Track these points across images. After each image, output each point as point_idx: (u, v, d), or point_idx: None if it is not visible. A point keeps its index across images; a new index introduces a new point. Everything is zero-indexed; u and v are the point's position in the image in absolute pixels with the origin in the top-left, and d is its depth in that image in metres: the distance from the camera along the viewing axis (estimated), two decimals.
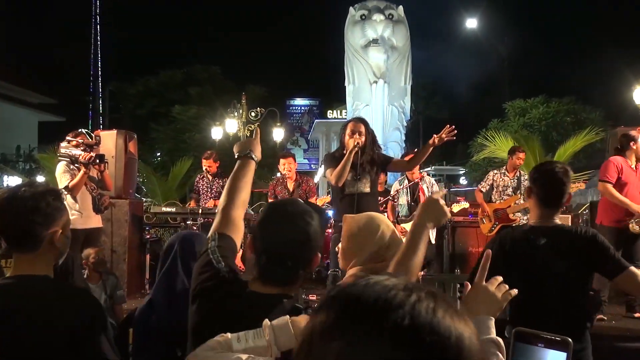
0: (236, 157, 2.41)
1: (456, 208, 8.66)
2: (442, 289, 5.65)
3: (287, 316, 1.67)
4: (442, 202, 2.08)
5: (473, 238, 9.35)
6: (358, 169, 5.65)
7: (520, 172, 8.45)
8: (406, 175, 8.50)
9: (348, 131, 5.72)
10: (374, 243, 2.43)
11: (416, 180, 8.31)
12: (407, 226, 8.11)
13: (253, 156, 2.41)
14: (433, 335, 0.75)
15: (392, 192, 8.64)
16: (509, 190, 8.33)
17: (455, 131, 5.59)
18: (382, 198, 9.65)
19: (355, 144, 5.57)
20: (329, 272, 5.88)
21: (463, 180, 36.01)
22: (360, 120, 5.85)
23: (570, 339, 1.34)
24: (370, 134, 5.76)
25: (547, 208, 3.08)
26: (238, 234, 2.14)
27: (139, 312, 2.92)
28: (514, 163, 8.36)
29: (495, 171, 8.62)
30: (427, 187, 8.35)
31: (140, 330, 2.87)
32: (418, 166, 8.35)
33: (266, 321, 1.64)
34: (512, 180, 8.35)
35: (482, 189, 8.54)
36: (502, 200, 8.31)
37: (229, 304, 1.84)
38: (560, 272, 2.91)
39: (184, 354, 1.88)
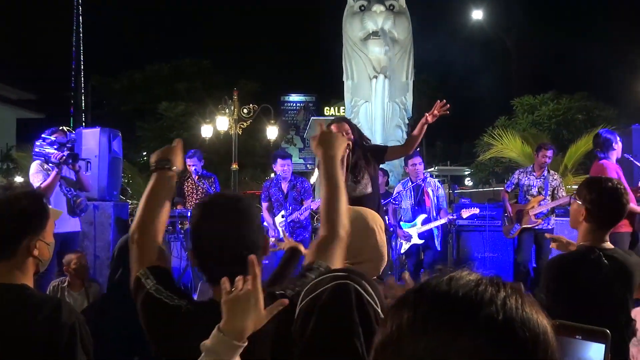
0: (151, 168, 2.29)
1: (466, 214, 8.57)
2: None
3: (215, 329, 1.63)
4: (332, 129, 2.34)
5: (480, 243, 9.34)
6: (355, 170, 5.68)
7: (548, 171, 8.40)
8: (409, 177, 8.49)
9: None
10: (357, 240, 2.49)
11: (419, 181, 8.30)
12: (411, 231, 8.12)
13: (172, 167, 2.29)
14: (525, 330, 0.79)
15: (393, 194, 8.62)
16: (533, 191, 8.30)
17: (448, 105, 5.61)
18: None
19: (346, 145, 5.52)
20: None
21: (468, 182, 36.08)
22: (343, 120, 5.92)
23: (608, 331, 1.37)
24: (355, 131, 5.78)
25: (603, 230, 3.03)
26: (166, 259, 2.08)
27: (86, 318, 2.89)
28: (540, 160, 8.31)
29: (521, 170, 8.65)
30: (432, 190, 8.34)
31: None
32: (422, 166, 8.36)
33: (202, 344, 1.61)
34: (538, 180, 8.32)
35: (507, 189, 8.61)
36: (526, 201, 8.31)
37: (203, 334, 1.73)
38: (617, 297, 2.93)
39: None
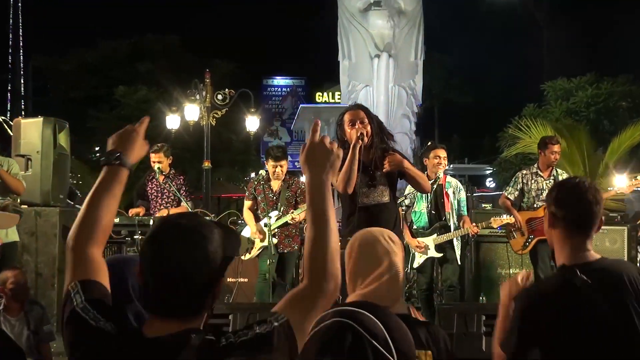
0: (101, 162, 2.32)
1: (497, 223, 8.45)
2: (463, 321, 5.67)
3: None
4: (326, 140, 2.23)
5: (503, 256, 9.35)
6: (370, 171, 5.68)
7: (556, 171, 8.42)
8: (427, 174, 8.39)
9: (346, 122, 5.74)
10: (370, 266, 2.72)
11: (438, 180, 8.18)
12: (427, 241, 8.07)
13: (124, 161, 2.32)
14: None
15: (405, 192, 8.46)
16: (545, 195, 8.30)
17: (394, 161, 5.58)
18: None
19: (359, 134, 5.55)
20: None
21: (490, 183, 36.19)
22: (358, 107, 5.90)
23: None
24: (374, 121, 5.77)
25: (578, 237, 2.96)
26: (104, 275, 2.12)
27: None
28: (548, 159, 8.31)
29: (525, 171, 8.58)
30: (454, 192, 8.28)
31: None
32: (446, 162, 8.30)
33: None
34: (547, 182, 8.32)
35: (509, 196, 8.51)
36: (536, 208, 8.29)
37: None
38: (617, 317, 2.86)
39: None
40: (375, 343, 1.65)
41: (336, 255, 2.10)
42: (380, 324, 1.87)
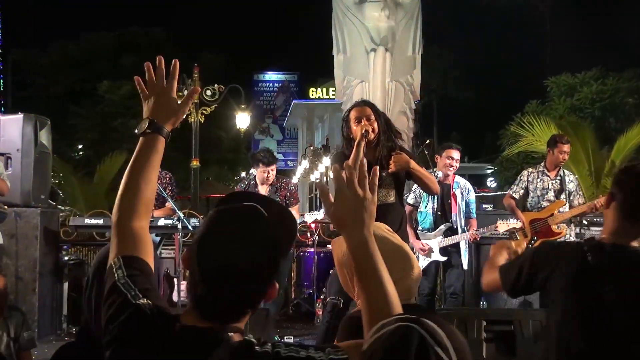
0: (136, 132, 2.30)
1: (502, 228, 8.41)
2: (463, 327, 5.67)
3: None
4: (361, 169, 2.02)
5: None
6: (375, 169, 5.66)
7: (563, 171, 8.42)
8: (435, 171, 8.38)
9: (352, 119, 5.79)
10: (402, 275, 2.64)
11: (448, 179, 8.17)
12: (432, 243, 8.04)
13: (161, 129, 2.28)
14: None
15: (411, 194, 8.40)
16: (550, 195, 8.29)
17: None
18: None
19: (364, 132, 5.57)
20: (329, 299, 5.91)
21: (491, 183, 36.21)
22: (365, 103, 5.97)
23: None
24: (381, 118, 5.84)
25: (630, 228, 3.02)
26: (148, 252, 2.11)
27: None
28: (557, 158, 8.32)
29: (530, 170, 8.59)
30: (462, 193, 8.28)
31: None
32: (458, 164, 8.30)
33: None
34: (553, 182, 8.32)
35: (514, 195, 8.52)
36: (540, 208, 8.30)
37: (157, 347, 1.83)
38: (623, 311, 2.91)
39: None
40: (439, 349, 1.65)
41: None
42: (440, 330, 1.86)
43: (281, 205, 2.05)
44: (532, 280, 3.07)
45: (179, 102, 2.33)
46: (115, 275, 2.00)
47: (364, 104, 5.96)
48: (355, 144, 5.41)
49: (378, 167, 5.45)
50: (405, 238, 6.05)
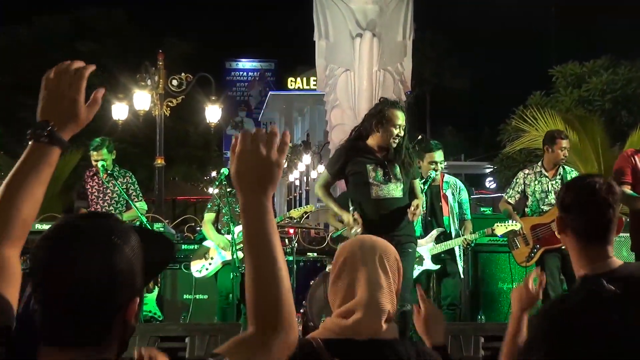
0: (26, 136, 2.12)
1: (500, 231, 8.41)
2: (458, 344, 5.70)
3: None
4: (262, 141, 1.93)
5: (504, 269, 9.39)
6: (385, 163, 6.52)
7: (564, 169, 8.43)
8: (421, 174, 8.39)
9: (390, 122, 6.54)
10: (348, 292, 2.82)
11: (435, 181, 8.16)
12: (422, 250, 8.03)
13: (59, 137, 2.11)
14: None
15: None
16: (551, 198, 8.30)
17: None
18: None
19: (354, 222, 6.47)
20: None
21: (490, 183, 36.34)
22: (402, 109, 6.74)
23: None
24: (405, 122, 6.64)
25: (599, 250, 2.97)
26: (9, 282, 1.98)
27: None
28: (556, 156, 8.34)
29: (527, 171, 8.59)
30: (453, 193, 8.29)
31: None
32: (440, 170, 8.32)
33: None
34: (553, 182, 8.34)
35: (509, 200, 8.54)
36: (541, 213, 8.31)
37: None
38: None
39: None
40: None
41: (289, 298, 1.90)
42: None
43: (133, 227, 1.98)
44: None
45: (83, 105, 2.15)
46: None
47: (402, 109, 6.74)
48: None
49: (391, 162, 6.36)
50: (412, 231, 6.85)
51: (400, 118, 6.57)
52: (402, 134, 6.54)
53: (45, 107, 2.13)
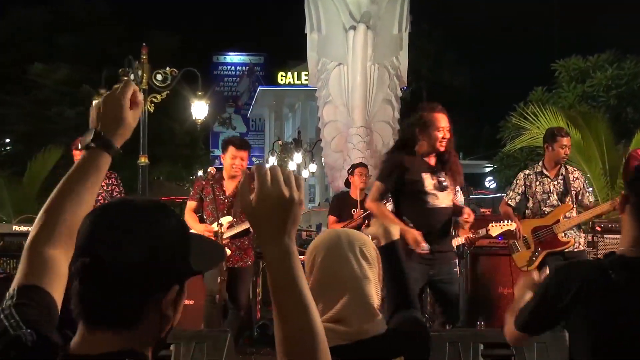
0: (80, 146, 2.28)
1: (496, 231, 8.42)
2: (456, 351, 5.70)
3: None
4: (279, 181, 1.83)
5: (505, 272, 9.39)
6: (440, 169, 6.66)
7: (566, 169, 8.46)
8: None
9: (434, 126, 6.63)
10: (333, 293, 2.79)
11: None
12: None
13: (108, 143, 2.28)
14: None
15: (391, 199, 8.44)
16: (553, 199, 8.32)
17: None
18: (359, 211, 9.62)
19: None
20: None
21: (490, 183, 36.38)
22: (442, 110, 6.80)
23: None
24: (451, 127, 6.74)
25: None
26: (55, 284, 2.05)
27: None
28: (557, 155, 8.35)
29: (527, 172, 8.60)
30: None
31: None
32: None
33: None
34: (555, 183, 8.35)
35: (509, 202, 8.55)
36: (542, 215, 8.33)
37: None
38: None
39: None
40: None
41: (324, 347, 1.83)
42: None
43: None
44: (552, 312, 3.09)
45: (128, 109, 2.30)
46: (5, 303, 1.98)
47: (444, 111, 6.81)
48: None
49: (444, 173, 6.49)
50: (450, 240, 7.08)
51: (442, 120, 6.64)
52: (447, 136, 6.60)
53: (95, 116, 2.30)
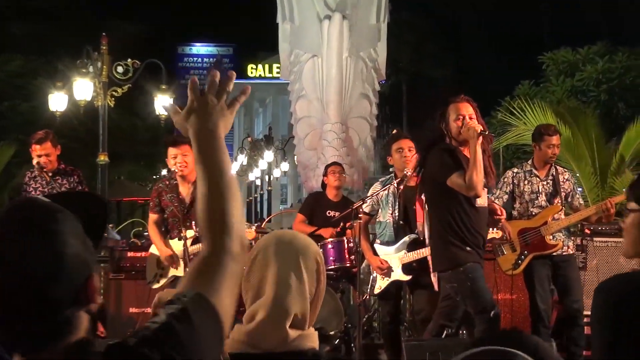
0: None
1: None
2: None
3: None
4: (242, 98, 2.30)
5: (489, 278, 9.39)
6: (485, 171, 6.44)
7: (556, 169, 8.51)
8: (394, 173, 8.38)
9: (452, 115, 6.50)
10: (253, 292, 2.85)
11: (407, 180, 8.12)
12: (392, 259, 8.01)
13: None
14: None
15: (368, 200, 8.40)
16: (542, 199, 8.36)
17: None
18: (334, 213, 9.56)
19: (482, 132, 6.31)
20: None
21: None
22: (466, 100, 6.70)
23: None
24: (480, 120, 6.61)
25: None
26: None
27: None
28: (545, 154, 8.39)
29: (516, 170, 8.65)
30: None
31: None
32: (413, 161, 8.31)
33: None
34: (544, 183, 8.40)
35: (497, 201, 8.59)
36: (530, 216, 8.37)
37: None
38: None
39: None
40: None
41: (238, 208, 2.15)
42: None
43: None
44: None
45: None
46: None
47: (466, 100, 6.66)
48: (475, 140, 6.28)
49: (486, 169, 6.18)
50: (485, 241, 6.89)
51: (463, 108, 6.53)
52: (487, 132, 6.48)
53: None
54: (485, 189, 6.59)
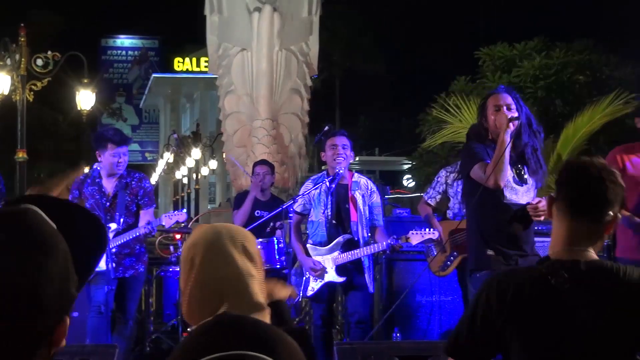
0: None
1: (416, 239, 8.31)
2: None
3: None
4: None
5: (423, 279, 9.47)
6: (520, 162, 6.39)
7: None
8: (327, 170, 8.37)
9: (490, 108, 6.43)
10: (209, 304, 2.80)
11: (341, 178, 8.11)
12: (325, 260, 7.96)
13: None
14: None
15: (299, 196, 8.39)
16: None
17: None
18: (263, 213, 9.56)
19: (510, 117, 6.17)
20: None
21: (408, 181, 36.71)
22: (506, 91, 6.59)
23: None
24: (524, 111, 6.43)
25: (578, 229, 3.13)
26: None
27: None
28: None
29: (449, 169, 8.72)
30: (364, 196, 8.23)
31: None
32: (351, 154, 8.31)
33: None
34: None
35: (429, 201, 8.62)
36: (464, 216, 8.39)
37: None
38: (601, 337, 3.01)
39: None
40: None
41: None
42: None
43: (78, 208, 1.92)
44: (491, 330, 3.10)
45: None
46: None
47: (506, 91, 6.57)
48: (503, 130, 6.11)
49: (520, 162, 6.07)
50: (532, 243, 6.59)
51: (502, 98, 6.39)
52: (516, 115, 6.23)
53: None
54: (526, 185, 6.40)
